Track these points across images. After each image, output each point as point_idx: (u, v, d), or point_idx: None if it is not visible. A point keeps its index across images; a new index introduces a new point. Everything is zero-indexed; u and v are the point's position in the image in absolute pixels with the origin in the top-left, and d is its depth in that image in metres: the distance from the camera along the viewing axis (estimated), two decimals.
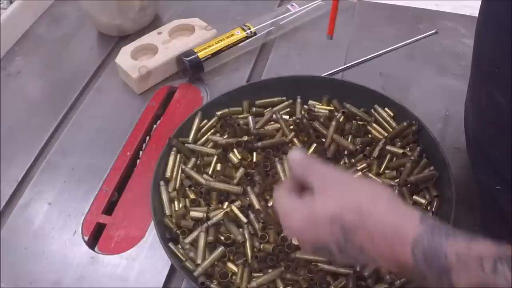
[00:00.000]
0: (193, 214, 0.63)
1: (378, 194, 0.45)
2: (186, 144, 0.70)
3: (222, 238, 0.61)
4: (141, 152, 0.77)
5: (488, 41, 0.53)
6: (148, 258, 0.65)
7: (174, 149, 0.69)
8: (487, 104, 0.54)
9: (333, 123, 0.69)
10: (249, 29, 0.87)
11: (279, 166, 0.65)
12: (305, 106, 0.74)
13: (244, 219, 0.62)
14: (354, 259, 0.46)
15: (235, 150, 0.68)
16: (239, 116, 0.74)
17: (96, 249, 0.66)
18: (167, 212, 0.64)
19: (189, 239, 0.61)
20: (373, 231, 0.42)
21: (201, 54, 0.83)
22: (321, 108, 0.74)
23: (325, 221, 0.44)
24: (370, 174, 0.66)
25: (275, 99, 0.75)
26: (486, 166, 0.57)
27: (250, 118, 0.71)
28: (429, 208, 0.63)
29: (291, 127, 0.71)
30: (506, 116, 0.50)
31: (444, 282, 0.39)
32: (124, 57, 0.85)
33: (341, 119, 0.70)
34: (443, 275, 0.39)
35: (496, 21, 0.50)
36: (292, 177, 0.50)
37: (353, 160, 0.67)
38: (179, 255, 0.61)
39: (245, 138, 0.69)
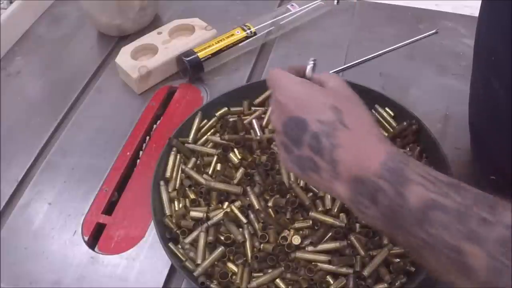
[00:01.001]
0: (193, 214, 0.63)
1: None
2: (186, 144, 0.70)
3: (222, 238, 0.61)
4: (141, 152, 0.77)
5: (486, 29, 0.54)
6: (148, 258, 0.65)
7: (174, 149, 0.69)
8: (484, 92, 0.54)
9: None
10: (249, 29, 0.87)
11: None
12: None
13: (244, 219, 0.61)
14: (309, 163, 0.47)
15: (235, 150, 0.68)
16: (242, 117, 0.74)
17: (96, 249, 0.66)
18: (167, 212, 0.64)
19: (189, 239, 0.61)
20: (355, 135, 0.45)
21: (201, 54, 0.83)
22: None
23: (322, 103, 0.46)
24: None
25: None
26: (482, 156, 0.58)
27: (254, 121, 0.71)
28: None
29: None
30: (502, 103, 0.51)
31: (398, 197, 0.40)
32: (124, 57, 0.85)
33: None
34: (399, 185, 0.40)
35: (495, 9, 0.50)
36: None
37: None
38: (179, 255, 0.61)
39: (245, 135, 0.69)
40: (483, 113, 0.57)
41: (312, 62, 0.56)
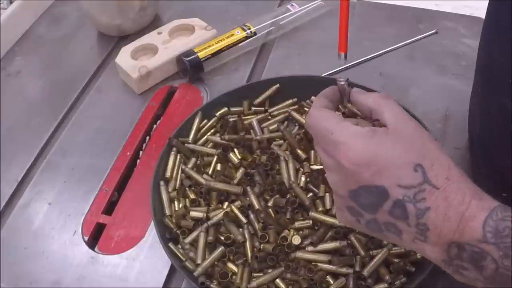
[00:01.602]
0: (193, 214, 0.63)
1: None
2: (186, 144, 0.70)
3: (222, 238, 0.61)
4: (141, 152, 0.77)
5: (498, 51, 0.52)
6: (148, 258, 0.65)
7: (174, 149, 0.69)
8: (498, 114, 0.53)
9: None
10: (249, 29, 0.87)
11: (283, 165, 0.65)
12: (308, 102, 0.74)
13: (244, 219, 0.61)
14: (396, 222, 0.41)
15: (235, 150, 0.68)
16: (243, 117, 0.74)
17: (96, 249, 0.66)
18: (167, 212, 0.64)
19: (189, 239, 0.61)
20: (449, 196, 0.39)
21: (201, 54, 0.83)
22: None
23: (403, 162, 0.39)
24: None
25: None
26: (491, 172, 0.57)
27: (254, 122, 0.71)
28: None
29: (296, 137, 0.70)
30: None
31: (506, 260, 0.36)
32: (124, 57, 0.85)
33: None
34: (506, 248, 0.36)
35: (509, 32, 0.49)
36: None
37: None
38: (179, 255, 0.61)
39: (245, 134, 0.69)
40: (499, 137, 0.55)
41: (342, 81, 0.50)
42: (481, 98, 0.59)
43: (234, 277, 0.59)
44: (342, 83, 0.50)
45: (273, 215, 0.62)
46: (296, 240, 0.59)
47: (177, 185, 0.67)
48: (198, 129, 0.72)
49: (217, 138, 0.70)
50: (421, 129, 0.42)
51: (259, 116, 0.73)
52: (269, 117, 0.74)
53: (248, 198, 0.63)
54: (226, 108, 0.74)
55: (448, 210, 0.38)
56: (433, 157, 0.40)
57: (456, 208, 0.38)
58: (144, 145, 0.77)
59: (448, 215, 0.38)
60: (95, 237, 0.68)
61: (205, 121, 0.73)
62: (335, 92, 0.50)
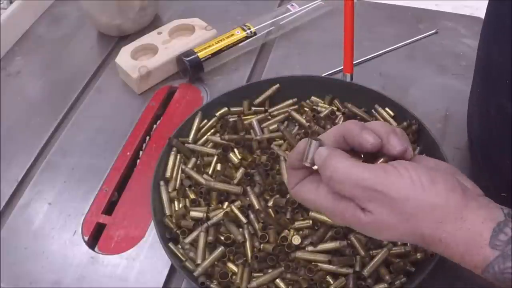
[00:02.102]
0: (193, 214, 0.63)
1: (443, 212, 0.40)
2: (186, 144, 0.70)
3: (222, 238, 0.61)
4: (141, 152, 0.77)
5: (498, 53, 0.52)
6: (148, 258, 0.65)
7: (174, 149, 0.69)
8: (497, 115, 0.53)
9: (329, 126, 0.69)
10: (249, 29, 0.87)
11: (283, 165, 0.65)
12: (309, 103, 0.74)
13: (244, 219, 0.61)
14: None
15: (235, 150, 0.68)
16: (243, 117, 0.74)
17: (96, 249, 0.66)
18: (167, 212, 0.64)
19: (189, 239, 0.61)
20: (441, 253, 0.41)
21: (201, 54, 0.83)
22: (323, 107, 0.73)
23: (381, 239, 0.45)
24: None
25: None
26: (491, 173, 0.57)
27: (254, 122, 0.71)
28: None
29: (297, 137, 0.70)
30: None
31: None
32: (124, 57, 0.85)
33: (340, 122, 0.70)
34: None
35: (506, 35, 0.49)
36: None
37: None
38: (179, 255, 0.61)
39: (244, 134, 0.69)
40: (498, 138, 0.55)
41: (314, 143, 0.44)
42: (479, 99, 0.59)
43: (234, 277, 0.59)
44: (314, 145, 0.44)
45: (273, 215, 0.62)
46: (296, 240, 0.59)
47: (177, 185, 0.67)
48: (198, 129, 0.72)
49: (217, 138, 0.70)
50: (392, 204, 0.41)
51: (259, 116, 0.73)
52: (269, 117, 0.74)
53: (248, 198, 0.63)
54: (226, 108, 0.74)
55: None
56: (404, 235, 0.42)
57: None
58: (144, 145, 0.77)
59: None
60: (95, 237, 0.68)
61: (205, 121, 0.73)
62: (298, 160, 0.45)
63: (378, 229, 0.42)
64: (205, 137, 0.72)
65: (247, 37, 0.86)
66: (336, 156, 0.42)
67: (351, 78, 0.47)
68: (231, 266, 0.60)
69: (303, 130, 0.70)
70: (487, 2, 0.56)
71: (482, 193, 0.43)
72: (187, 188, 0.66)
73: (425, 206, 0.40)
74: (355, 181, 0.41)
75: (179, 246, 0.61)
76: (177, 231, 0.62)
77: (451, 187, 0.41)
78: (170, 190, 0.67)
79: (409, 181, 0.40)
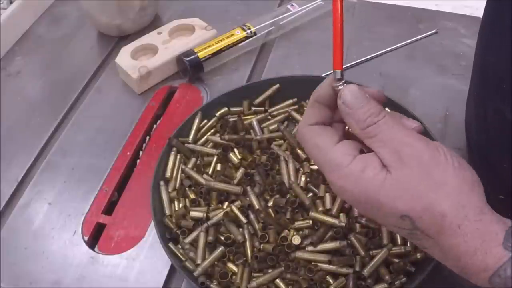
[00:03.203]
0: (193, 214, 0.63)
1: (469, 199, 0.37)
2: (186, 144, 0.70)
3: (222, 238, 0.61)
4: (141, 152, 0.77)
5: (495, 57, 0.51)
6: (148, 258, 0.65)
7: (174, 149, 0.69)
8: (494, 119, 0.52)
9: None
10: (249, 29, 0.87)
11: (283, 165, 0.65)
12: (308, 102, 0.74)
13: (244, 219, 0.61)
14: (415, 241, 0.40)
15: (235, 150, 0.68)
16: (243, 117, 0.74)
17: (96, 249, 0.66)
18: (167, 212, 0.64)
19: (189, 239, 0.61)
20: (449, 248, 0.37)
21: (201, 54, 0.83)
22: None
23: (390, 211, 0.37)
24: None
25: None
26: (489, 176, 0.57)
27: (254, 122, 0.71)
28: None
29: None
30: None
31: None
32: (124, 57, 0.85)
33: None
34: None
35: (503, 39, 0.48)
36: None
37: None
38: (179, 255, 0.61)
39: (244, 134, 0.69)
40: (496, 142, 0.54)
41: (340, 85, 0.43)
42: (477, 102, 0.59)
43: (234, 277, 0.59)
44: (340, 88, 0.42)
45: (273, 215, 0.62)
46: (296, 240, 0.59)
47: (177, 185, 0.67)
48: (198, 129, 0.72)
49: (217, 138, 0.70)
50: (423, 166, 0.38)
51: (259, 116, 0.73)
52: (269, 117, 0.74)
53: (248, 198, 0.63)
54: (226, 108, 0.74)
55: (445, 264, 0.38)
56: (425, 207, 0.37)
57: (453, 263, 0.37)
58: (144, 145, 0.77)
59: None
60: (95, 237, 0.68)
61: (205, 121, 0.73)
62: (330, 95, 0.43)
63: (396, 190, 0.37)
64: (205, 137, 0.72)
65: (247, 37, 0.86)
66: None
67: (341, 75, 0.45)
68: (231, 266, 0.60)
69: None
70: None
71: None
72: (187, 188, 0.66)
73: (453, 185, 0.37)
74: (392, 129, 0.38)
75: (179, 246, 0.61)
76: (177, 231, 0.62)
77: (478, 182, 0.39)
78: (170, 190, 0.67)
79: (443, 154, 0.38)
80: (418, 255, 0.58)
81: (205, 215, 0.62)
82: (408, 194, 0.37)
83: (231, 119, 0.72)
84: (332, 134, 0.41)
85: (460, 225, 0.36)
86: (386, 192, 0.37)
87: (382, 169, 0.38)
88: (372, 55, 0.86)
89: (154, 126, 0.80)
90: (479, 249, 0.36)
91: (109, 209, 0.70)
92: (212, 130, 0.73)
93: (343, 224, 0.59)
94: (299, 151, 0.68)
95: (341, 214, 0.60)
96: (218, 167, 0.67)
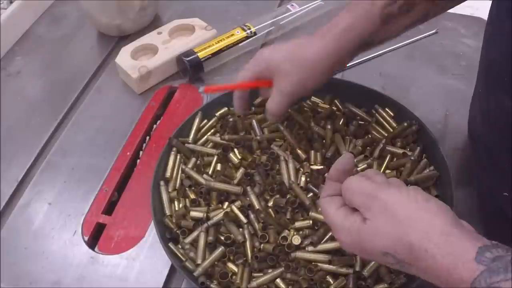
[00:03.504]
0: (193, 214, 0.63)
1: (431, 225, 0.42)
2: (186, 144, 0.70)
3: (222, 238, 0.61)
4: (141, 152, 0.77)
5: (498, 49, 0.52)
6: (148, 258, 0.65)
7: (174, 149, 0.69)
8: (496, 111, 0.53)
9: (329, 126, 0.69)
10: (249, 29, 0.87)
11: (283, 165, 0.65)
12: (308, 103, 0.74)
13: (244, 219, 0.61)
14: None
15: (235, 150, 0.68)
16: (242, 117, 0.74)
17: (96, 249, 0.66)
18: (167, 212, 0.64)
19: (189, 239, 0.61)
20: (426, 270, 0.42)
21: (201, 54, 0.83)
22: (323, 107, 0.73)
23: (375, 253, 0.44)
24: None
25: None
26: (494, 172, 0.57)
27: (254, 122, 0.71)
28: None
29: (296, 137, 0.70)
30: None
31: None
32: (124, 57, 0.85)
33: (341, 121, 0.70)
34: None
35: (506, 29, 0.49)
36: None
37: (354, 161, 0.67)
38: (179, 255, 0.61)
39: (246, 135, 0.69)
40: (499, 135, 0.55)
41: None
42: (481, 97, 0.59)
43: (234, 277, 0.59)
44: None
45: (273, 215, 0.62)
46: (296, 240, 0.59)
47: (177, 185, 0.67)
48: (198, 129, 0.72)
49: (217, 138, 0.70)
50: (388, 211, 0.44)
51: (259, 116, 0.73)
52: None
53: (248, 198, 0.63)
54: (226, 108, 0.74)
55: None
56: (396, 242, 0.43)
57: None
58: (144, 145, 0.77)
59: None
60: (95, 237, 0.68)
61: (205, 121, 0.73)
62: (336, 175, 0.51)
63: (373, 235, 0.44)
64: (205, 137, 0.72)
65: (247, 37, 0.86)
66: (355, 176, 0.49)
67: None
68: (231, 266, 0.60)
69: (302, 131, 0.70)
70: (487, 2, 0.56)
71: (474, 230, 0.44)
72: (187, 188, 0.66)
73: (415, 217, 0.43)
74: (362, 189, 0.46)
75: (179, 246, 0.61)
76: (177, 231, 0.62)
77: (444, 209, 0.43)
78: (170, 190, 0.67)
79: (405, 194, 0.45)
80: None
81: (205, 215, 0.62)
82: (382, 236, 0.44)
83: (231, 119, 0.72)
84: (336, 203, 0.48)
85: (426, 249, 0.41)
86: (366, 238, 0.45)
87: (361, 222, 0.45)
88: (372, 55, 0.86)
89: (154, 126, 0.80)
90: (451, 267, 0.40)
91: (109, 209, 0.70)
92: (212, 130, 0.73)
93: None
94: (299, 151, 0.68)
95: None
96: (218, 167, 0.67)
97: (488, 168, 0.60)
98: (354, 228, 0.45)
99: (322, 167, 0.66)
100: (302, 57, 0.59)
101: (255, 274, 0.59)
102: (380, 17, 0.58)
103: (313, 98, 0.75)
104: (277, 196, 0.63)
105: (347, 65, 0.85)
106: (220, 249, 0.60)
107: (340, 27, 0.59)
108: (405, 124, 0.69)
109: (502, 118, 0.53)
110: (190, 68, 0.82)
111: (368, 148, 0.68)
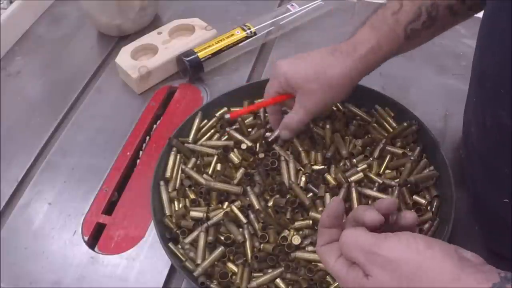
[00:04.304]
0: (193, 214, 0.63)
1: (439, 273, 0.41)
2: (186, 144, 0.70)
3: (222, 238, 0.61)
4: (141, 152, 0.77)
5: (492, 61, 0.51)
6: (148, 258, 0.65)
7: (174, 149, 0.69)
8: (492, 124, 0.52)
9: (328, 126, 0.69)
10: (249, 29, 0.87)
11: (283, 165, 0.65)
12: None
13: (244, 219, 0.61)
14: None
15: (235, 150, 0.68)
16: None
17: (96, 249, 0.66)
18: (167, 212, 0.64)
19: (189, 239, 0.61)
20: None
21: (201, 54, 0.83)
22: None
23: None
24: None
25: None
26: (491, 179, 0.56)
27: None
28: (429, 208, 0.63)
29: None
30: None
31: None
32: (124, 57, 0.85)
33: (340, 121, 0.70)
34: None
35: (500, 41, 0.48)
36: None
37: (354, 161, 0.67)
38: (179, 255, 0.61)
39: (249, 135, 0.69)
40: (495, 147, 0.55)
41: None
42: (476, 109, 0.58)
43: (234, 277, 0.59)
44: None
45: (273, 215, 0.62)
46: (296, 240, 0.59)
47: (177, 185, 0.67)
48: (198, 129, 0.72)
49: (219, 142, 0.70)
50: (392, 265, 0.43)
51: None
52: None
53: (248, 198, 0.63)
54: (226, 108, 0.74)
55: None
56: None
57: None
58: (144, 145, 0.77)
59: None
60: (95, 237, 0.68)
61: (205, 121, 0.73)
62: (329, 222, 0.49)
63: None
64: (205, 137, 0.72)
65: (247, 37, 0.86)
66: (351, 227, 0.47)
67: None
68: (231, 266, 0.60)
69: (303, 131, 0.70)
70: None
71: (484, 262, 0.43)
72: (187, 188, 0.66)
73: (420, 269, 0.41)
74: (360, 245, 0.44)
75: (179, 246, 0.61)
76: (177, 231, 0.62)
77: (447, 252, 0.42)
78: (170, 190, 0.67)
79: (405, 244, 0.43)
80: None
81: (205, 215, 0.62)
82: None
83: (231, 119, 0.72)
84: (335, 252, 0.47)
85: None
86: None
87: (363, 277, 0.44)
88: None
89: (154, 126, 0.80)
90: None
91: (109, 209, 0.70)
92: (212, 131, 0.73)
93: None
94: (300, 151, 0.68)
95: None
96: (218, 167, 0.67)
97: (482, 174, 0.59)
98: (357, 282, 0.44)
99: (322, 167, 0.66)
100: (328, 77, 0.60)
101: (255, 274, 0.59)
102: (404, 34, 0.60)
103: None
104: (277, 196, 0.63)
105: None
106: (220, 249, 0.60)
107: (366, 47, 0.60)
108: (405, 124, 0.69)
109: (501, 136, 0.51)
110: (190, 68, 0.82)
111: (368, 148, 0.68)
